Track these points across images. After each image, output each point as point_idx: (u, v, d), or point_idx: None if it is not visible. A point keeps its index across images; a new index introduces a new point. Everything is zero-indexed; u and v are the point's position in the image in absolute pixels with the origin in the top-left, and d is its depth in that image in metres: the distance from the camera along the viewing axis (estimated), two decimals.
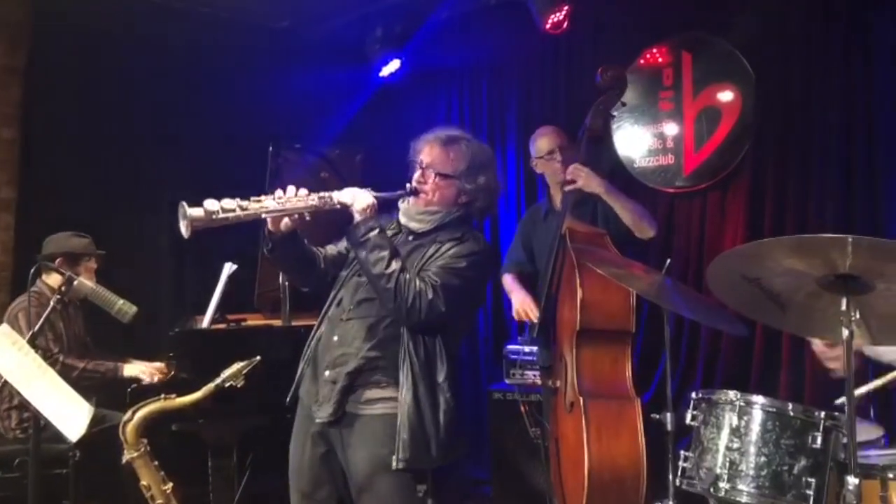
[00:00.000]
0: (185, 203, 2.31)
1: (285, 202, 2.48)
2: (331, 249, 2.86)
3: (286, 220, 2.57)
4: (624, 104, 3.84)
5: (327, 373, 2.60)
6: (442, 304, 2.48)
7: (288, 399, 2.77)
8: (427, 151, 2.70)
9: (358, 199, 2.55)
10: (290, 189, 2.52)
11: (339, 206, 2.55)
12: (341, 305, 2.68)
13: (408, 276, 2.49)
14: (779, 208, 4.32)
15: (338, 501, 2.67)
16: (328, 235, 2.89)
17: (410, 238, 2.68)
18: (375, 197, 2.60)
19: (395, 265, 2.49)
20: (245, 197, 2.44)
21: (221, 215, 2.33)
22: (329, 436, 2.62)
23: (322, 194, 2.54)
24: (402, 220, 2.71)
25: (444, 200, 2.68)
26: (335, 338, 2.63)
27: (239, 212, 2.38)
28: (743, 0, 4.44)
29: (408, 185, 2.69)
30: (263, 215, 2.47)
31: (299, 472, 2.69)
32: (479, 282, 2.72)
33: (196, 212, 2.30)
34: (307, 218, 2.57)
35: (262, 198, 2.47)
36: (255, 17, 5.63)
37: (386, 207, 2.69)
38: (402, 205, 2.73)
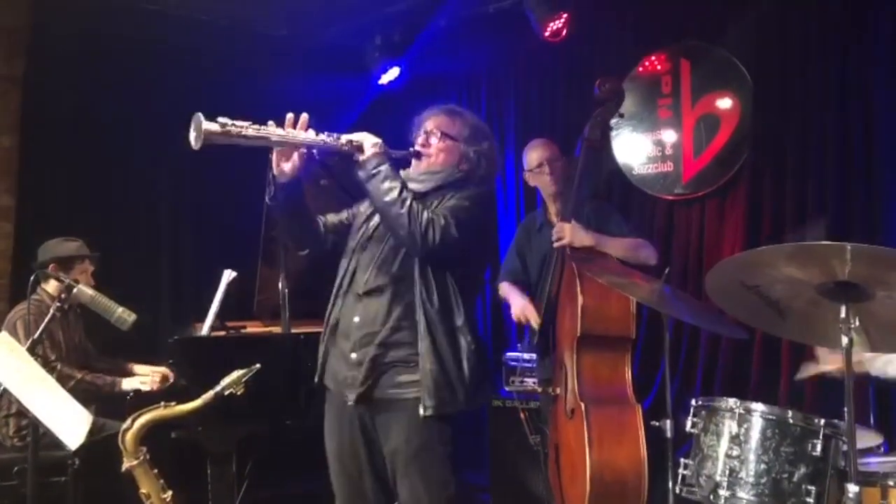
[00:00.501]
0: (200, 114, 2.31)
1: (295, 134, 2.48)
2: (331, 217, 2.86)
3: (294, 159, 2.55)
4: (622, 115, 3.86)
5: (354, 355, 2.60)
6: (454, 230, 2.50)
7: (315, 379, 2.77)
8: (432, 119, 2.75)
9: (366, 138, 2.57)
10: (303, 119, 2.50)
11: (346, 147, 2.54)
12: (355, 280, 2.67)
13: (419, 205, 2.51)
14: (777, 215, 4.33)
15: (380, 488, 2.66)
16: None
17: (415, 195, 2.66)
18: None
19: (406, 193, 2.50)
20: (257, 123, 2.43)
21: (234, 129, 2.33)
22: (365, 422, 2.63)
23: (331, 133, 2.53)
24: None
25: (446, 162, 2.71)
26: (356, 318, 2.62)
27: (251, 131, 2.37)
28: (741, 8, 4.45)
29: (411, 149, 2.72)
30: (273, 139, 2.46)
31: (340, 457, 2.68)
32: (486, 218, 2.77)
33: (211, 125, 2.31)
34: (315, 156, 2.56)
35: (272, 125, 2.46)
36: (254, 24, 5.63)
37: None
38: (403, 172, 2.73)
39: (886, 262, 1.98)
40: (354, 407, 2.61)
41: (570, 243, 3.56)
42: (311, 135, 2.50)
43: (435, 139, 2.72)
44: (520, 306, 3.81)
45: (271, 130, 2.43)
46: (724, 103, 4.55)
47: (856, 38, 4.08)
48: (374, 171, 2.51)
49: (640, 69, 4.82)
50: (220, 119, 2.33)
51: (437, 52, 5.63)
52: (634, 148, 4.89)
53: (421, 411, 2.48)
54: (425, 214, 2.48)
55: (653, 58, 4.80)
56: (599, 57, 5.06)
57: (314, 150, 2.55)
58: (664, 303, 3.00)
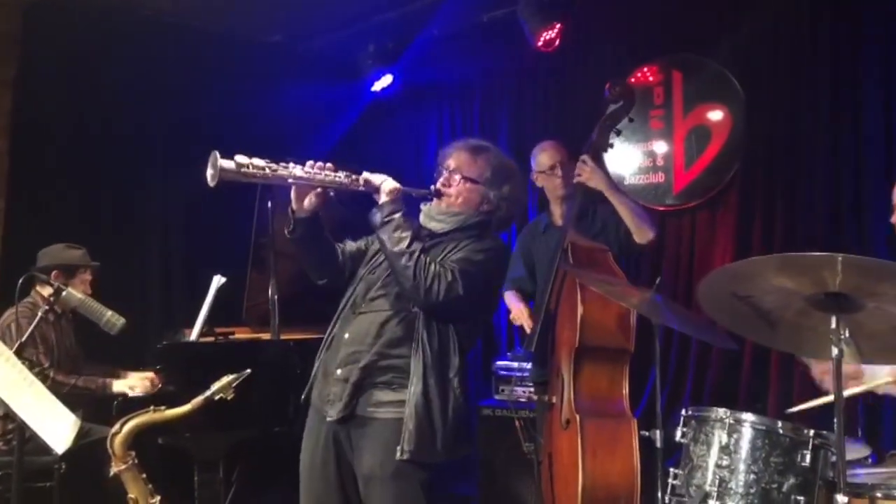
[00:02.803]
0: (217, 153, 2.30)
1: (313, 174, 2.47)
2: (350, 245, 2.85)
3: (311, 197, 2.55)
4: (631, 120, 3.81)
5: (339, 371, 2.58)
6: (460, 287, 2.48)
7: (303, 397, 2.75)
8: (455, 157, 2.72)
9: (385, 181, 2.56)
10: (318, 166, 2.50)
11: (363, 188, 2.54)
12: (355, 303, 2.67)
13: (428, 258, 2.50)
14: (768, 227, 4.35)
15: None
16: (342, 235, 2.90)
17: (428, 239, 2.64)
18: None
19: (416, 246, 2.48)
20: (275, 160, 2.43)
21: (251, 170, 2.32)
22: (340, 439, 2.60)
23: (349, 173, 2.53)
24: (423, 220, 2.70)
25: (466, 204, 2.69)
26: (346, 335, 2.62)
27: (268, 171, 2.36)
28: (733, 22, 4.49)
29: (432, 187, 2.71)
30: (290, 181, 2.45)
31: (311, 471, 2.65)
32: (495, 276, 2.72)
33: (227, 163, 2.30)
34: (331, 195, 2.56)
35: (291, 164, 2.45)
36: (247, 31, 5.64)
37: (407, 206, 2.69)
38: (424, 207, 2.73)
39: (877, 273, 1.99)
40: (332, 423, 2.59)
41: (588, 181, 3.60)
42: (329, 175, 2.49)
43: (456, 180, 2.70)
44: (517, 309, 3.87)
45: (289, 171, 2.43)
46: (716, 115, 4.58)
47: (847, 51, 4.12)
48: (386, 219, 2.51)
49: (633, 80, 4.84)
50: (238, 158, 2.32)
51: (430, 61, 5.65)
52: (626, 158, 4.91)
53: (397, 454, 2.45)
54: (432, 268, 2.47)
55: (645, 69, 4.83)
56: (592, 67, 5.07)
57: (331, 191, 2.55)
58: (655, 311, 3.01)
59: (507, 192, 2.71)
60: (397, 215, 2.51)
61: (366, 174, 2.56)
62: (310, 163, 2.50)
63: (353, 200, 2.68)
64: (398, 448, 2.45)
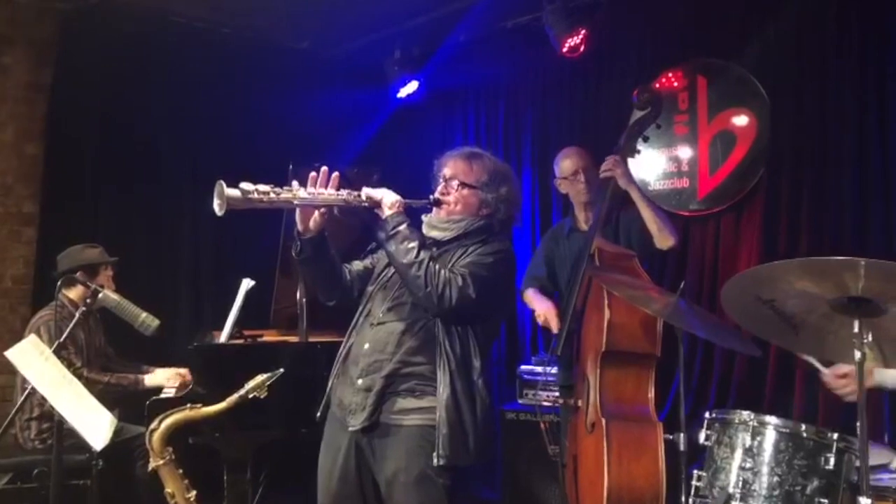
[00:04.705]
0: (223, 182, 2.35)
1: (317, 194, 2.51)
2: (357, 265, 2.90)
3: (315, 216, 2.59)
4: (659, 126, 3.83)
5: (360, 381, 2.62)
6: (472, 291, 2.52)
7: (318, 414, 2.79)
8: (451, 165, 2.78)
9: (386, 195, 2.61)
10: (322, 174, 2.53)
11: (366, 204, 2.59)
12: (371, 315, 2.71)
13: (437, 265, 2.54)
14: (793, 232, 4.33)
15: None
16: (350, 252, 2.95)
17: (434, 249, 2.69)
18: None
19: (424, 254, 2.53)
20: (278, 184, 2.48)
21: (256, 196, 2.37)
22: (362, 446, 2.64)
23: (351, 190, 2.58)
24: (425, 230, 2.75)
25: (466, 209, 2.74)
26: (366, 345, 2.66)
27: (273, 195, 2.41)
28: (758, 26, 4.49)
29: (431, 197, 2.75)
30: (295, 203, 2.50)
31: (329, 481, 2.69)
32: (506, 277, 2.75)
33: (233, 192, 2.35)
34: (336, 213, 2.60)
35: (295, 185, 2.50)
36: (275, 37, 5.72)
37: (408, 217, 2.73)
38: (425, 218, 2.78)
39: None
40: (354, 432, 2.63)
41: (617, 177, 3.62)
42: (331, 194, 2.53)
43: (453, 187, 2.75)
44: (543, 309, 3.81)
45: (293, 193, 2.47)
46: (741, 120, 4.58)
47: (873, 56, 4.10)
48: (392, 232, 2.55)
49: (657, 85, 4.85)
50: (243, 185, 2.37)
51: (455, 66, 5.70)
52: (650, 164, 4.92)
53: (434, 460, 2.50)
54: (442, 274, 2.52)
55: (670, 74, 4.83)
56: (617, 73, 5.09)
57: (335, 209, 2.59)
58: (679, 317, 3.02)
59: (504, 194, 2.75)
60: (403, 227, 2.55)
61: (366, 190, 2.60)
62: (312, 175, 2.53)
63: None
64: (434, 454, 2.49)
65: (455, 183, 2.74)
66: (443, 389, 2.53)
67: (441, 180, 2.77)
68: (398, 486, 2.56)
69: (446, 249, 2.69)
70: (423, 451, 2.52)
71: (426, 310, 2.58)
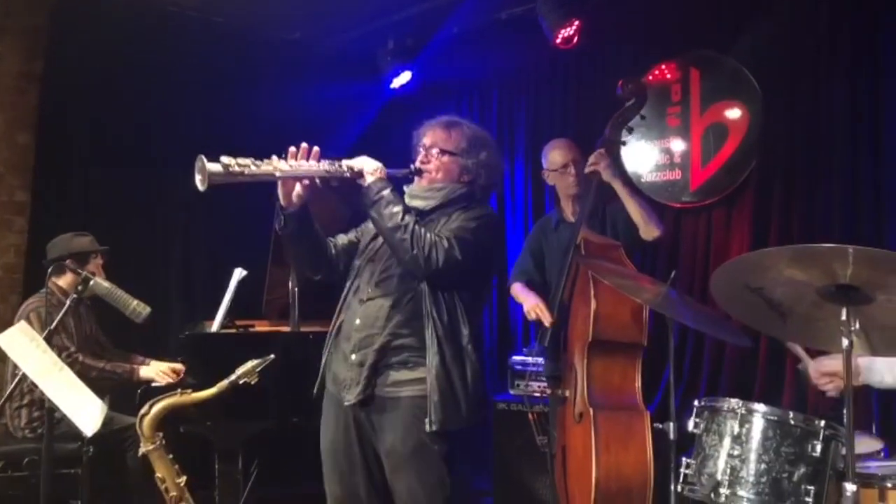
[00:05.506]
0: (203, 156, 2.35)
1: (297, 166, 2.52)
2: (341, 238, 2.91)
3: (298, 189, 2.58)
4: (643, 117, 3.84)
5: (353, 356, 2.65)
6: (458, 252, 2.55)
7: (315, 390, 2.81)
8: (430, 134, 2.80)
9: (367, 163, 2.62)
10: (302, 148, 2.53)
11: (348, 174, 2.59)
12: (360, 290, 2.73)
13: (422, 228, 2.55)
14: (784, 224, 4.36)
15: (372, 486, 2.70)
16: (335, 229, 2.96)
17: (418, 219, 2.67)
18: None
19: (409, 218, 2.55)
20: (259, 158, 2.48)
21: (237, 169, 2.37)
22: (361, 421, 2.67)
23: (332, 160, 2.58)
24: (407, 200, 2.74)
25: (447, 177, 2.76)
26: (357, 321, 2.68)
27: (253, 168, 2.42)
28: (751, 18, 4.49)
29: (412, 166, 2.77)
30: (277, 175, 2.50)
31: (334, 453, 2.72)
32: (490, 241, 2.78)
33: (213, 165, 2.35)
34: (318, 184, 2.59)
35: (275, 158, 2.50)
36: (267, 28, 5.69)
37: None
38: (407, 188, 2.79)
39: (887, 265, 2.01)
40: (350, 406, 2.65)
41: (601, 171, 3.63)
42: (312, 165, 2.54)
43: (434, 155, 2.76)
44: (533, 303, 3.80)
45: (274, 165, 2.48)
46: (733, 113, 4.59)
47: (866, 49, 4.11)
48: (376, 198, 2.57)
49: (650, 77, 4.85)
50: (223, 159, 2.37)
51: (448, 57, 5.68)
52: (643, 155, 4.93)
53: (426, 426, 2.54)
54: (428, 237, 2.54)
55: (663, 66, 4.84)
56: (610, 65, 5.10)
57: (317, 180, 2.58)
58: (670, 306, 3.03)
59: (484, 159, 2.77)
60: (386, 191, 2.57)
61: (346, 160, 2.61)
62: (292, 150, 2.53)
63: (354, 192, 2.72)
64: (426, 420, 2.53)
65: (435, 151, 2.75)
66: (432, 357, 2.56)
67: (421, 149, 2.79)
68: (396, 458, 2.61)
69: (430, 219, 2.70)
70: (419, 420, 2.56)
71: (413, 274, 2.60)
